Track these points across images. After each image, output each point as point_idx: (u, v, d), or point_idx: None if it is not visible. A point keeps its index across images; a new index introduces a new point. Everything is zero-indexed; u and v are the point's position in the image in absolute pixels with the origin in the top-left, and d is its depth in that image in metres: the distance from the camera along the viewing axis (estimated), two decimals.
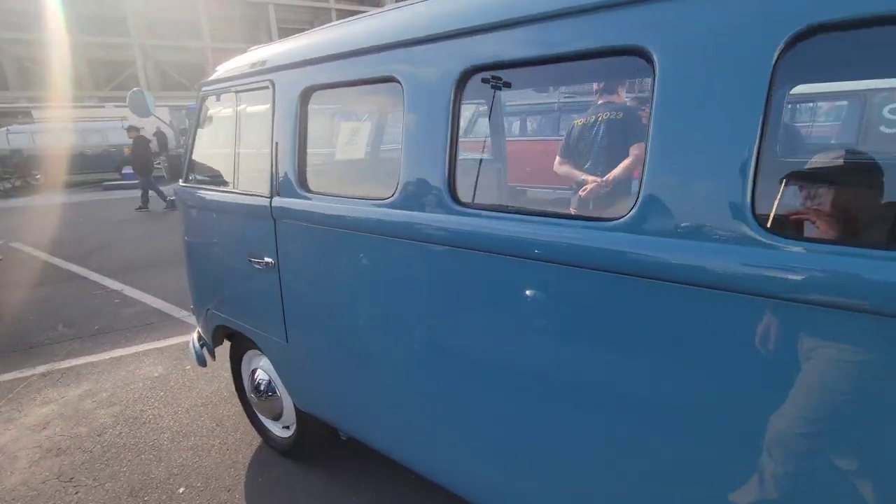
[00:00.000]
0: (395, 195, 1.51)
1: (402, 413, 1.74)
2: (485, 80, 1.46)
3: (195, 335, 3.04)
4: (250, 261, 2.09)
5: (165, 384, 3.48)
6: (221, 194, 2.23)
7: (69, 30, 22.47)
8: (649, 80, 1.05)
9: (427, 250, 1.45)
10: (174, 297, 5.25)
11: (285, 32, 29.12)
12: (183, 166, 2.49)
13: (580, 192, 3.41)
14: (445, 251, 1.41)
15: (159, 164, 17.74)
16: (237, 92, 2.13)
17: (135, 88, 2.68)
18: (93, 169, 16.43)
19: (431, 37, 1.36)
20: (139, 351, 4.02)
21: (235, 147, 2.14)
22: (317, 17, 30.72)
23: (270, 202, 1.93)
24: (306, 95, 1.79)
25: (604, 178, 3.19)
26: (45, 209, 12.08)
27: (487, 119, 4.13)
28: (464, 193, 1.39)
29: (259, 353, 2.52)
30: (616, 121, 3.34)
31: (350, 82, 1.64)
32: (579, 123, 3.57)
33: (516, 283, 1.28)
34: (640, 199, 1.07)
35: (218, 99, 2.31)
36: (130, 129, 10.82)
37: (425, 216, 1.42)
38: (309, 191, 1.82)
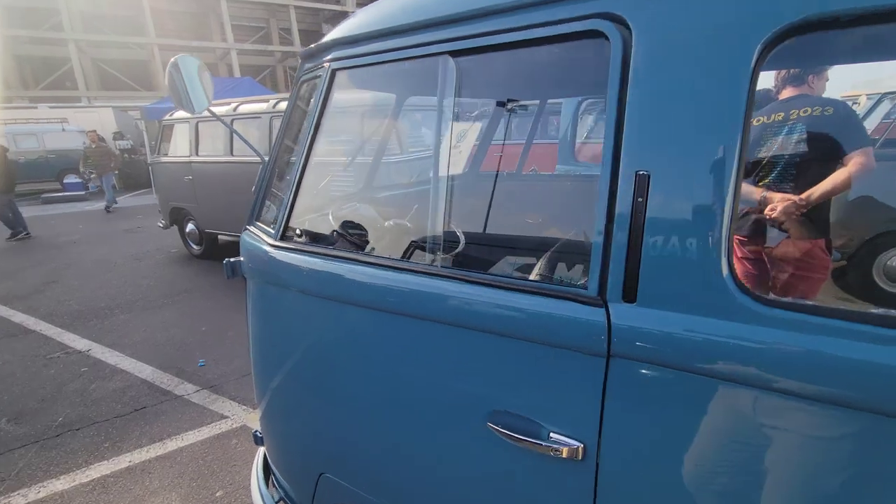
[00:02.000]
0: None
1: None
2: None
3: (259, 468, 1.82)
4: (491, 428, 0.93)
5: None
6: (404, 276, 1.02)
7: None
8: None
9: None
10: (165, 358, 3.89)
11: (240, 30, 27.14)
12: (280, 215, 1.25)
13: (767, 213, 2.61)
14: None
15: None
16: (453, 54, 0.95)
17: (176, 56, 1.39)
18: (28, 178, 14.29)
19: None
20: (135, 463, 2.69)
21: (441, 180, 0.96)
22: (273, 14, 28.83)
23: (607, 315, 0.78)
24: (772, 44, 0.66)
25: (803, 196, 2.38)
26: None
27: None
28: None
29: None
30: (823, 119, 2.61)
31: None
32: (756, 124, 2.79)
33: None
34: None
35: (372, 78, 1.12)
36: None
37: None
38: (768, 304, 0.68)
